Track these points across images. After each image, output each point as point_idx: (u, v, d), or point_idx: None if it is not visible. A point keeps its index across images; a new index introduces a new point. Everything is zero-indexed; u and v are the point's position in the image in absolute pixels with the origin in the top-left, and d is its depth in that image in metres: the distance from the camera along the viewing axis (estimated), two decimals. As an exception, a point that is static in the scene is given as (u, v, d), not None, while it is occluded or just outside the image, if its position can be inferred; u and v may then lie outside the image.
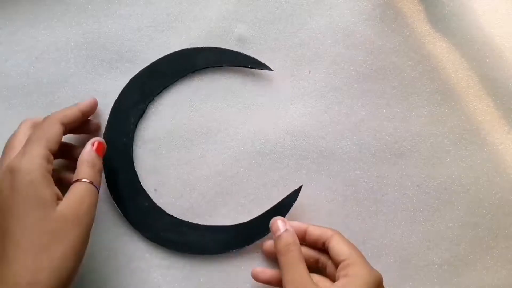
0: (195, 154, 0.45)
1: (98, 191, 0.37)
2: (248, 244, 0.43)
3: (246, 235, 0.43)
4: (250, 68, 0.46)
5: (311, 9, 0.48)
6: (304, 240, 0.41)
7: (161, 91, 0.45)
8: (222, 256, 0.43)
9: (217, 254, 0.43)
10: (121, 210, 0.43)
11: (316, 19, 0.48)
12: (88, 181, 0.36)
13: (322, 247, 0.40)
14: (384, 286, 0.38)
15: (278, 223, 0.40)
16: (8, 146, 0.38)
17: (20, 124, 0.40)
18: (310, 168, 0.45)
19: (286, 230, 0.39)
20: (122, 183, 0.44)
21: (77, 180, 0.36)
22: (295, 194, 0.44)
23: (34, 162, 0.34)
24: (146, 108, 0.45)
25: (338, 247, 0.38)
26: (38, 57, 0.46)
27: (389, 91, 0.47)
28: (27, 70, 0.46)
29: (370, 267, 0.37)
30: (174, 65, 0.46)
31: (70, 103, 0.45)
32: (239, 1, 0.48)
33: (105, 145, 0.41)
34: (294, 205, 0.43)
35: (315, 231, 0.40)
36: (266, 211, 0.44)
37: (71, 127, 0.40)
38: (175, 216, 0.44)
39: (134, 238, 0.44)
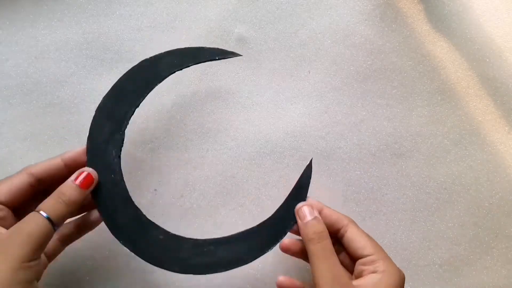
0: (195, 154, 0.45)
1: (55, 230, 0.34)
2: (281, 238, 0.39)
3: (274, 231, 0.39)
4: (218, 59, 0.43)
5: (311, 9, 0.48)
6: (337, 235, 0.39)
7: (133, 113, 0.40)
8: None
9: (253, 262, 0.39)
10: (135, 253, 0.38)
11: (316, 19, 0.48)
12: (44, 215, 0.33)
13: (334, 234, 0.38)
14: None
15: (305, 209, 0.38)
16: None
17: None
18: (311, 172, 0.45)
19: (315, 217, 0.37)
20: (125, 223, 0.39)
21: (35, 210, 0.33)
22: (308, 169, 0.40)
23: None
24: (124, 136, 0.40)
25: (359, 239, 0.37)
26: (38, 57, 0.46)
27: (389, 91, 0.47)
28: (27, 70, 0.46)
29: (395, 265, 0.36)
30: (137, 81, 0.41)
31: (70, 103, 0.45)
32: (239, 1, 0.48)
33: (95, 178, 0.36)
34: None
35: (331, 216, 0.38)
36: (287, 199, 0.40)
37: (50, 179, 0.36)
38: (193, 237, 0.40)
39: None
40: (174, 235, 0.40)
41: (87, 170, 0.37)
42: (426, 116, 0.47)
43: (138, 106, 0.41)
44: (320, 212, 0.38)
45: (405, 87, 0.47)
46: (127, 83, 0.41)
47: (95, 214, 0.39)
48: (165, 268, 0.38)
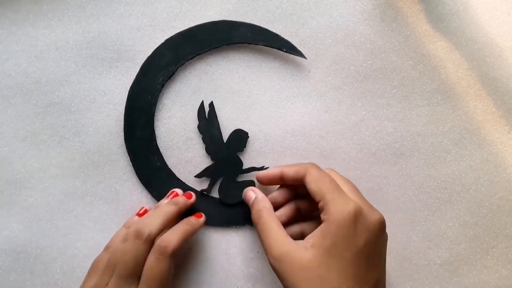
0: (195, 154, 0.45)
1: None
2: (249, 223, 0.44)
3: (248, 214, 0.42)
4: (285, 52, 0.46)
5: (312, 8, 0.48)
6: (285, 183, 0.40)
7: (193, 57, 0.46)
8: (224, 244, 0.44)
9: (216, 227, 0.44)
10: (133, 166, 0.44)
11: (316, 19, 0.48)
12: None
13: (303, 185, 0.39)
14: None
15: (249, 193, 0.41)
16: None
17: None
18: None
19: (255, 198, 0.40)
20: (139, 139, 0.44)
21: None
22: None
23: None
24: (175, 71, 0.45)
25: (311, 187, 0.37)
26: (38, 56, 0.46)
27: (389, 90, 0.47)
28: (27, 69, 0.46)
29: (344, 200, 0.35)
30: (211, 34, 0.46)
31: (70, 102, 0.45)
32: (239, 1, 0.48)
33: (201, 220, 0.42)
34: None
35: (290, 172, 0.39)
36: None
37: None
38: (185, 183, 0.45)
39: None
40: (169, 169, 0.45)
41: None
42: (426, 116, 0.47)
43: (199, 54, 0.46)
44: (281, 174, 0.40)
45: (405, 87, 0.47)
46: (202, 31, 0.46)
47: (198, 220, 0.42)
48: (147, 188, 0.44)
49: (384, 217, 0.45)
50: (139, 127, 0.45)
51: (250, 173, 0.45)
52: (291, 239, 0.36)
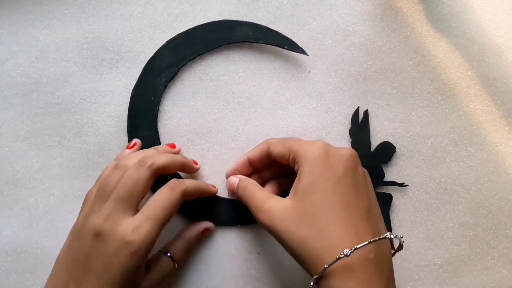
0: (195, 154, 0.45)
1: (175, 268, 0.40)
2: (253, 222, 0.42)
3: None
4: (286, 49, 0.46)
5: (312, 9, 0.48)
6: (254, 167, 0.42)
7: (194, 58, 0.46)
8: (224, 245, 0.44)
9: (217, 227, 0.44)
10: None
11: (316, 20, 0.48)
12: (170, 255, 0.40)
13: (283, 163, 0.39)
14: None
15: (231, 179, 0.42)
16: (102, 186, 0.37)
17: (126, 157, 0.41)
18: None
19: (239, 179, 0.41)
20: (143, 140, 0.44)
21: (165, 252, 0.40)
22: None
23: (147, 245, 0.34)
24: (177, 72, 0.45)
25: (277, 151, 0.38)
26: (38, 57, 0.46)
27: (390, 91, 0.47)
28: (27, 70, 0.46)
29: (308, 143, 0.36)
30: (211, 34, 0.46)
31: (70, 102, 0.45)
32: (239, 1, 0.48)
33: (213, 229, 0.43)
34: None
35: (255, 154, 0.41)
36: None
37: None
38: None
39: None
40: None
41: (210, 226, 0.43)
42: (426, 116, 0.47)
43: (201, 54, 0.46)
44: (247, 160, 0.41)
45: (406, 87, 0.47)
46: (203, 31, 0.46)
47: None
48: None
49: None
50: (143, 128, 0.45)
51: (388, 186, 0.45)
52: (275, 196, 0.37)
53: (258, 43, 0.46)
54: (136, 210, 0.36)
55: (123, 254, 0.33)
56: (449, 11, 0.48)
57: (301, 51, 0.46)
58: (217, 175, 0.45)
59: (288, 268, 0.44)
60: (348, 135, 0.46)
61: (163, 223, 0.35)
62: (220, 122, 0.46)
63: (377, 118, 0.46)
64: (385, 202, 0.44)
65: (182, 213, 0.44)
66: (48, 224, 0.44)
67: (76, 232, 0.36)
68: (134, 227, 0.34)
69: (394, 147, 0.46)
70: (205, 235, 0.43)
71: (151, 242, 0.34)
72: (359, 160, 0.36)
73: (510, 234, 0.45)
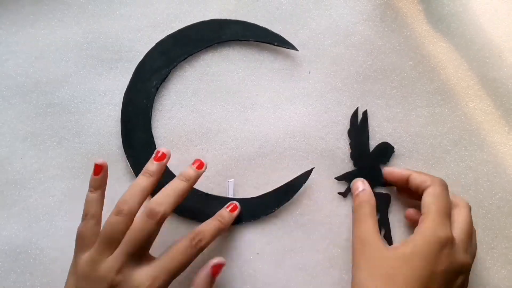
0: (195, 154, 0.45)
1: None
2: (254, 219, 0.44)
3: (252, 211, 0.44)
4: (276, 45, 0.46)
5: (311, 9, 0.48)
6: (405, 185, 0.42)
7: (185, 58, 0.46)
8: (224, 245, 0.44)
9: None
10: (133, 170, 0.44)
11: (316, 20, 0.48)
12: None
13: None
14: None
15: (358, 183, 0.43)
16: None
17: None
18: (310, 168, 0.45)
19: (363, 189, 0.42)
20: (138, 144, 0.44)
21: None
22: (305, 175, 0.45)
23: None
24: (169, 73, 0.45)
25: (425, 198, 0.39)
26: (38, 57, 0.46)
27: (389, 91, 0.47)
28: (27, 70, 0.46)
29: (438, 225, 0.37)
30: (200, 34, 0.46)
31: (70, 103, 0.45)
32: (239, 1, 0.48)
33: (224, 265, 0.40)
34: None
35: (416, 179, 0.41)
36: (274, 190, 0.45)
37: None
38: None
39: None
40: (170, 171, 0.44)
41: (221, 262, 0.39)
42: (425, 117, 0.47)
43: (191, 54, 0.46)
44: (408, 178, 0.42)
45: (405, 88, 0.47)
46: (191, 32, 0.47)
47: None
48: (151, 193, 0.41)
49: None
50: (137, 132, 0.45)
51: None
52: (381, 237, 0.39)
53: (248, 41, 0.46)
54: (149, 257, 0.37)
55: None
56: (449, 11, 0.48)
57: (291, 47, 0.46)
58: (217, 175, 0.45)
59: (287, 268, 0.44)
60: (347, 135, 0.46)
61: (177, 274, 0.37)
62: (220, 122, 0.46)
63: (376, 118, 0.46)
64: (384, 202, 0.44)
65: (180, 213, 0.44)
66: (48, 224, 0.44)
67: (85, 276, 0.36)
68: (151, 277, 0.35)
69: (393, 148, 0.46)
70: (217, 275, 0.39)
71: None
72: (467, 274, 0.39)
73: (509, 235, 0.45)
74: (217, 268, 0.39)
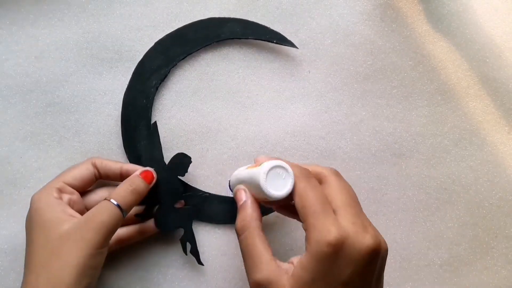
0: (195, 154, 0.45)
1: (124, 216, 0.37)
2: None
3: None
4: (275, 43, 0.46)
5: (311, 9, 0.48)
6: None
7: (184, 57, 0.46)
8: (224, 245, 0.44)
9: (224, 224, 0.44)
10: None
11: (316, 19, 0.48)
12: (115, 203, 0.36)
13: None
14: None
15: (241, 194, 0.36)
16: None
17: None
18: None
19: (244, 201, 0.35)
20: (140, 145, 0.44)
21: (106, 199, 0.37)
22: None
23: (43, 193, 0.37)
24: (168, 73, 0.45)
25: (296, 203, 0.33)
26: (38, 57, 0.46)
27: (389, 91, 0.47)
28: (27, 70, 0.46)
29: (325, 227, 0.30)
30: (199, 33, 0.46)
31: (70, 102, 0.45)
32: (239, 1, 0.48)
33: (155, 177, 0.41)
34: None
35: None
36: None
37: (106, 176, 0.41)
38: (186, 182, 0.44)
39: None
40: None
41: (150, 169, 0.41)
42: (426, 116, 0.47)
43: (190, 53, 0.46)
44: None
45: (405, 87, 0.47)
46: (190, 31, 0.46)
47: (151, 224, 0.42)
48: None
49: (384, 217, 0.45)
50: (138, 132, 0.44)
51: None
52: (274, 263, 0.32)
53: (247, 39, 0.46)
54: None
55: (30, 209, 0.37)
56: (449, 11, 0.48)
57: (290, 44, 0.46)
58: (217, 174, 0.45)
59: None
60: (340, 133, 0.46)
61: (65, 177, 0.39)
62: (220, 121, 0.46)
63: (377, 118, 0.46)
64: (188, 217, 0.42)
65: None
66: (48, 223, 0.44)
67: None
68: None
69: (189, 158, 0.43)
70: (150, 183, 0.40)
71: (47, 190, 0.38)
72: (376, 254, 0.31)
73: (509, 234, 0.45)
74: (149, 175, 0.40)
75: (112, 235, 0.36)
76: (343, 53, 0.47)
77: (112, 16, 0.47)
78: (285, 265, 0.32)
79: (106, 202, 0.36)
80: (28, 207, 0.37)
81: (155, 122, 0.44)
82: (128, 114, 0.45)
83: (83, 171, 0.40)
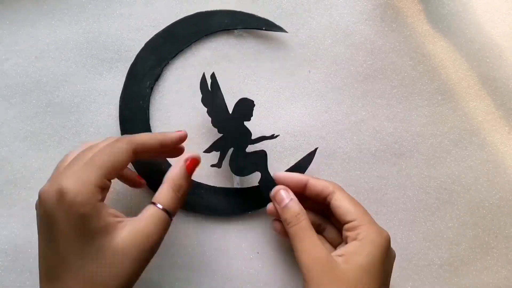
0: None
1: (171, 219, 0.35)
2: (260, 208, 0.44)
3: (258, 200, 0.43)
4: (264, 30, 0.46)
5: (312, 9, 0.48)
6: (304, 193, 0.40)
7: (176, 55, 0.46)
8: (224, 245, 0.44)
9: (235, 215, 0.44)
10: (137, 170, 0.44)
11: (316, 19, 0.48)
12: (162, 207, 0.35)
13: (323, 202, 0.40)
14: None
15: (282, 193, 0.39)
16: (62, 160, 0.36)
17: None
18: (310, 168, 0.45)
19: (291, 199, 0.38)
20: None
21: (153, 203, 0.35)
22: (310, 156, 0.44)
23: (87, 193, 0.31)
24: (161, 72, 0.45)
25: (343, 205, 0.38)
26: (38, 57, 0.46)
27: (389, 91, 0.47)
28: (27, 69, 0.46)
29: (378, 227, 0.38)
30: (188, 28, 0.46)
31: (70, 102, 0.45)
32: (239, 1, 0.48)
33: (199, 161, 0.38)
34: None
35: (316, 186, 0.39)
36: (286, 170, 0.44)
37: (143, 156, 0.37)
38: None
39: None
40: None
41: (195, 156, 0.38)
42: (426, 116, 0.47)
43: (181, 50, 0.46)
44: (306, 184, 0.40)
45: (405, 87, 0.47)
46: (179, 28, 0.46)
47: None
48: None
49: (385, 217, 0.45)
50: (136, 132, 0.44)
51: (260, 142, 0.44)
52: (326, 248, 0.37)
53: (236, 29, 0.46)
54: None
55: (62, 207, 0.31)
56: (449, 11, 0.48)
57: (279, 29, 0.46)
58: (218, 174, 0.45)
59: (287, 268, 0.44)
60: (340, 133, 0.46)
61: (106, 171, 0.32)
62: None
63: (377, 118, 0.46)
64: (261, 159, 0.42)
65: (185, 207, 0.44)
66: (48, 223, 0.44)
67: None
68: (73, 177, 0.31)
69: (252, 101, 0.43)
70: (193, 171, 0.38)
71: (90, 188, 0.31)
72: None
73: (509, 234, 0.45)
74: (192, 163, 0.38)
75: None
76: (343, 53, 0.47)
77: (112, 16, 0.47)
78: (333, 253, 0.37)
79: (162, 214, 0.34)
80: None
81: (213, 73, 0.42)
82: (126, 115, 0.45)
83: (123, 159, 0.34)
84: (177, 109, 0.46)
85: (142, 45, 0.46)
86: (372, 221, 0.38)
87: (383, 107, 0.47)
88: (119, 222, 0.33)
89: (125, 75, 0.46)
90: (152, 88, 0.45)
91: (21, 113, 0.45)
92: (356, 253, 0.36)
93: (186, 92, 0.46)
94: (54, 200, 0.31)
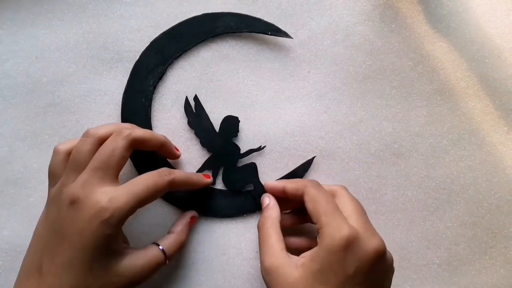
0: (195, 154, 0.45)
1: (166, 263, 0.38)
2: (259, 210, 0.44)
3: (256, 202, 0.44)
4: (270, 35, 0.47)
5: (311, 9, 0.48)
6: (286, 197, 0.41)
7: (180, 55, 0.46)
8: (223, 245, 0.44)
9: (232, 217, 0.45)
10: (137, 169, 0.44)
11: (316, 20, 0.48)
12: (162, 249, 0.38)
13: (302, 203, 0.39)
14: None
15: (264, 199, 0.42)
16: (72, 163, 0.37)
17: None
18: (309, 167, 0.45)
19: (267, 204, 0.41)
20: None
21: (157, 244, 0.38)
22: (307, 164, 0.45)
23: (121, 218, 0.34)
24: (165, 71, 0.46)
25: (308, 207, 0.37)
26: (38, 57, 0.46)
27: (389, 91, 0.47)
28: (27, 70, 0.46)
29: (338, 225, 0.35)
30: (194, 29, 0.46)
31: (70, 102, 0.45)
32: (239, 1, 0.48)
33: (197, 217, 0.44)
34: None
35: (290, 189, 0.40)
36: (279, 179, 0.45)
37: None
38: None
39: (134, 238, 0.44)
40: (174, 168, 0.44)
41: (195, 215, 0.43)
42: (425, 116, 0.47)
43: (185, 51, 0.46)
44: (283, 189, 0.41)
45: (405, 87, 0.47)
46: (185, 28, 0.47)
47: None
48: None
49: (384, 217, 0.45)
50: None
51: (250, 155, 0.45)
52: (285, 253, 0.36)
53: (242, 32, 0.46)
54: (115, 180, 0.35)
55: (96, 221, 0.32)
56: (449, 12, 0.48)
57: (285, 35, 0.46)
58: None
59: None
60: (339, 133, 0.46)
61: (142, 201, 0.35)
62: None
63: (376, 118, 0.47)
64: (252, 171, 0.45)
65: (178, 205, 0.44)
66: (48, 223, 0.44)
67: (51, 202, 0.35)
68: (111, 196, 0.33)
69: (237, 118, 0.45)
70: (193, 225, 0.44)
71: (124, 214, 0.33)
72: (382, 256, 0.35)
73: (508, 234, 0.45)
74: (194, 219, 0.43)
75: None
76: (343, 53, 0.47)
77: (112, 17, 0.47)
78: (295, 258, 0.36)
79: (162, 256, 0.38)
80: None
81: (196, 95, 0.45)
82: (128, 114, 0.45)
83: (155, 193, 0.36)
84: (177, 110, 0.46)
85: (143, 45, 0.46)
86: (335, 219, 0.35)
87: (382, 107, 0.47)
88: (125, 248, 0.36)
89: (125, 75, 0.46)
90: (155, 87, 0.46)
91: (22, 113, 0.45)
92: (311, 258, 0.35)
93: (186, 92, 0.46)
94: (90, 213, 0.33)
